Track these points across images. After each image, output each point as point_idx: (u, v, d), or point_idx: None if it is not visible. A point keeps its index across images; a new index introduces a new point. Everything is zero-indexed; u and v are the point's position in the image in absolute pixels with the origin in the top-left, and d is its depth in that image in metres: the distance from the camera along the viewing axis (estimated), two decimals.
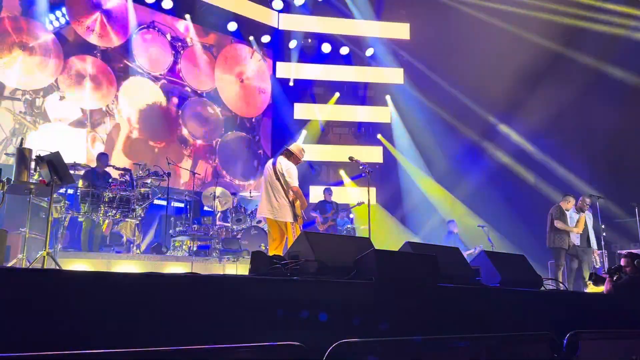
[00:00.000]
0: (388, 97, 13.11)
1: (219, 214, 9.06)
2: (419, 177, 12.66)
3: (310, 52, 12.95)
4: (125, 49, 10.43)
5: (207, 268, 7.31)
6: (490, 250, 5.86)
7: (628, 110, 9.79)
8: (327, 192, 9.87)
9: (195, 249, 7.76)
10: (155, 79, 10.87)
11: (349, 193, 12.06)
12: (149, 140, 10.66)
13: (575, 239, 7.89)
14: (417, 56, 12.55)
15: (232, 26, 11.70)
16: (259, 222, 8.55)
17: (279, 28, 12.44)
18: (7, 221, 6.25)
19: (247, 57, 12.29)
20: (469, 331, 2.73)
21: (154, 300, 2.15)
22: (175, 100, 11.16)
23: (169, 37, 11.05)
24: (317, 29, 12.69)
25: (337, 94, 12.92)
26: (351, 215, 10.59)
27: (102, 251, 7.17)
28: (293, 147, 6.08)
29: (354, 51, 12.98)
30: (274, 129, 12.79)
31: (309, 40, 12.90)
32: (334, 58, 12.87)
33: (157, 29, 10.90)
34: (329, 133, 13.30)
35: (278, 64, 12.70)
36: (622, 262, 5.01)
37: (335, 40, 12.77)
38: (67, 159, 5.67)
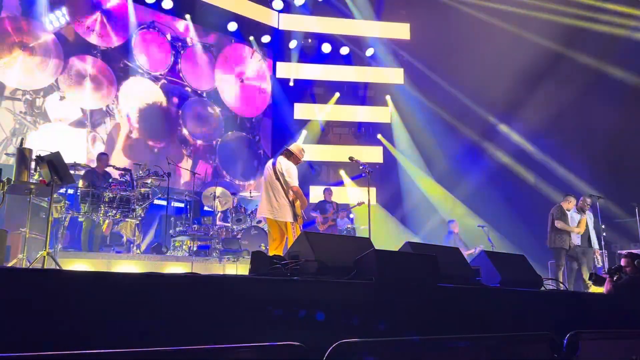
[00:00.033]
0: (388, 97, 13.12)
1: (219, 214, 9.06)
2: (419, 177, 12.66)
3: (310, 52, 12.95)
4: (125, 49, 10.43)
5: (207, 268, 7.31)
6: (490, 250, 5.86)
7: (628, 110, 9.79)
8: (327, 192, 9.87)
9: (195, 249, 7.76)
10: (155, 79, 10.87)
11: (349, 193, 12.06)
12: (149, 140, 10.66)
13: (576, 239, 7.90)
14: (417, 56, 12.56)
15: (232, 26, 11.70)
16: (259, 222, 8.55)
17: (279, 28, 12.44)
18: (7, 221, 6.25)
19: (247, 57, 12.29)
20: (469, 331, 2.73)
21: (154, 300, 2.15)
22: (175, 100, 11.16)
23: (169, 37, 11.05)
24: (317, 29, 12.70)
25: (337, 94, 12.92)
26: (351, 215, 10.59)
27: (102, 251, 7.17)
28: (293, 147, 6.08)
29: (354, 51, 12.98)
30: (274, 129, 12.79)
31: (309, 40, 12.90)
32: (334, 58, 12.88)
33: (157, 29, 10.90)
34: (329, 133, 13.30)
35: (278, 64, 12.70)
36: (622, 262, 5.01)
37: (335, 40, 12.77)
38: (67, 159, 5.67)
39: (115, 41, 10.30)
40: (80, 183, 7.25)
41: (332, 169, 12.95)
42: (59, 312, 1.94)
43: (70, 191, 7.23)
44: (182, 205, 9.44)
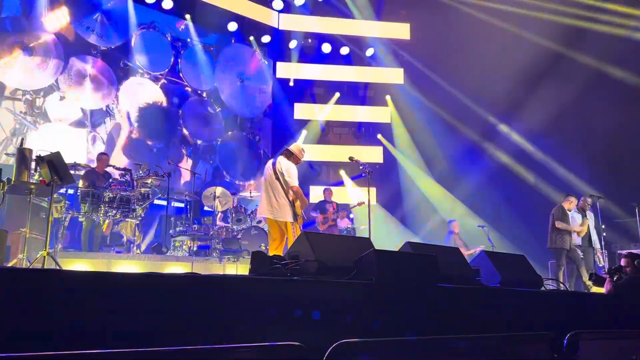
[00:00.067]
0: (388, 97, 13.11)
1: (219, 214, 9.06)
2: (419, 177, 12.66)
3: (310, 52, 12.95)
4: (125, 49, 10.43)
5: (207, 268, 7.32)
6: (490, 250, 5.86)
7: (628, 110, 9.79)
8: (327, 192, 9.87)
9: (195, 249, 7.77)
10: (155, 79, 10.87)
11: (349, 193, 12.06)
12: (149, 140, 10.66)
13: (577, 239, 7.91)
14: (417, 56, 12.55)
15: (232, 26, 11.70)
16: (259, 222, 8.55)
17: (279, 28, 12.44)
18: (7, 221, 6.25)
19: (247, 57, 12.29)
20: (469, 331, 2.73)
21: (154, 300, 2.15)
22: (175, 100, 11.16)
23: (169, 37, 11.05)
24: (317, 29, 12.70)
25: (337, 94, 12.92)
26: (351, 215, 10.59)
27: (102, 251, 7.17)
28: (293, 147, 6.08)
29: (354, 51, 12.98)
30: (274, 129, 12.80)
31: (309, 40, 12.90)
32: (334, 58, 12.87)
33: (157, 29, 10.90)
34: (329, 133, 13.29)
35: (278, 64, 12.70)
36: (623, 262, 5.01)
37: (335, 40, 12.77)
38: (67, 159, 5.67)
39: (115, 41, 10.30)
40: (81, 183, 7.25)
41: (332, 169, 12.94)
42: (59, 312, 1.94)
43: (71, 191, 7.23)
44: (182, 205, 9.44)
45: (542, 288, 4.26)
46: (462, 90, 11.73)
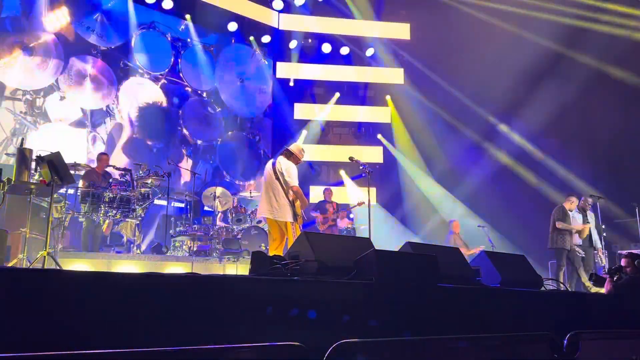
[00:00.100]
0: (388, 97, 13.11)
1: (219, 214, 9.06)
2: (419, 177, 12.66)
3: (310, 52, 12.95)
4: (125, 49, 10.43)
5: (207, 268, 7.32)
6: (490, 250, 5.86)
7: (628, 110, 9.79)
8: (327, 192, 9.87)
9: (195, 249, 7.76)
10: (155, 79, 10.87)
11: (349, 193, 12.06)
12: (149, 140, 10.66)
13: (577, 239, 7.92)
14: (417, 56, 12.55)
15: (232, 26, 11.70)
16: (259, 222, 8.55)
17: (279, 28, 12.44)
18: (7, 221, 6.25)
19: (247, 57, 12.29)
20: (469, 331, 2.73)
21: (154, 300, 2.15)
22: (175, 100, 11.16)
23: (169, 37, 11.05)
24: (317, 29, 12.70)
25: (337, 94, 12.92)
26: (351, 215, 10.59)
27: (102, 251, 7.17)
28: (293, 147, 6.08)
29: (354, 51, 12.98)
30: (274, 129, 12.79)
31: (309, 40, 12.90)
32: (334, 58, 12.87)
33: (157, 29, 10.90)
34: (329, 133, 13.29)
35: (278, 64, 12.70)
36: (623, 262, 5.01)
37: (335, 40, 12.76)
38: (68, 159, 5.67)
39: (115, 41, 10.30)
40: (81, 183, 7.25)
41: (332, 169, 12.94)
42: (59, 312, 1.94)
43: (71, 191, 7.22)
44: (182, 205, 9.44)
45: (542, 288, 4.26)
46: (462, 90, 11.72)
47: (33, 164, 5.07)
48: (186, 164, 11.00)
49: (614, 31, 10.25)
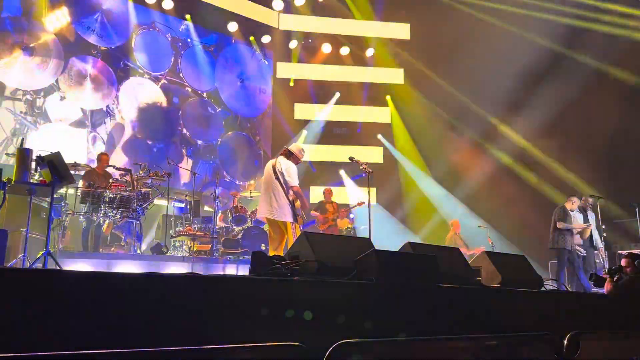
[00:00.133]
0: (388, 97, 13.11)
1: (219, 214, 9.06)
2: (419, 177, 12.66)
3: (310, 52, 12.95)
4: (125, 49, 10.44)
5: (207, 268, 7.31)
6: (491, 250, 5.86)
7: (628, 110, 9.79)
8: (327, 192, 9.87)
9: (195, 249, 7.76)
10: (155, 79, 10.87)
11: (349, 193, 12.06)
12: (149, 140, 10.67)
13: (578, 239, 7.93)
14: (417, 56, 12.56)
15: (232, 26, 11.71)
16: (260, 222, 8.55)
17: (279, 28, 12.44)
18: (7, 221, 6.25)
19: (247, 57, 12.29)
20: (469, 331, 2.72)
21: (154, 300, 2.15)
22: (175, 100, 11.16)
23: (169, 37, 11.05)
24: (317, 29, 12.70)
25: (337, 94, 12.92)
26: (351, 215, 10.59)
27: (102, 251, 7.17)
28: (293, 147, 6.09)
29: (354, 51, 12.98)
30: (274, 129, 12.79)
31: (309, 40, 12.91)
32: (334, 58, 12.87)
33: (157, 29, 10.90)
34: (329, 133, 13.29)
35: (278, 64, 12.70)
36: (623, 262, 5.01)
37: (335, 40, 12.77)
38: (68, 159, 5.67)
39: (115, 41, 10.30)
40: (81, 183, 7.25)
41: (332, 168, 12.94)
42: (59, 312, 1.94)
43: (71, 191, 7.22)
44: (182, 205, 9.44)
45: (542, 288, 4.26)
46: (462, 90, 11.72)
47: (33, 164, 5.07)
48: (186, 164, 11.00)
49: (614, 31, 10.25)
